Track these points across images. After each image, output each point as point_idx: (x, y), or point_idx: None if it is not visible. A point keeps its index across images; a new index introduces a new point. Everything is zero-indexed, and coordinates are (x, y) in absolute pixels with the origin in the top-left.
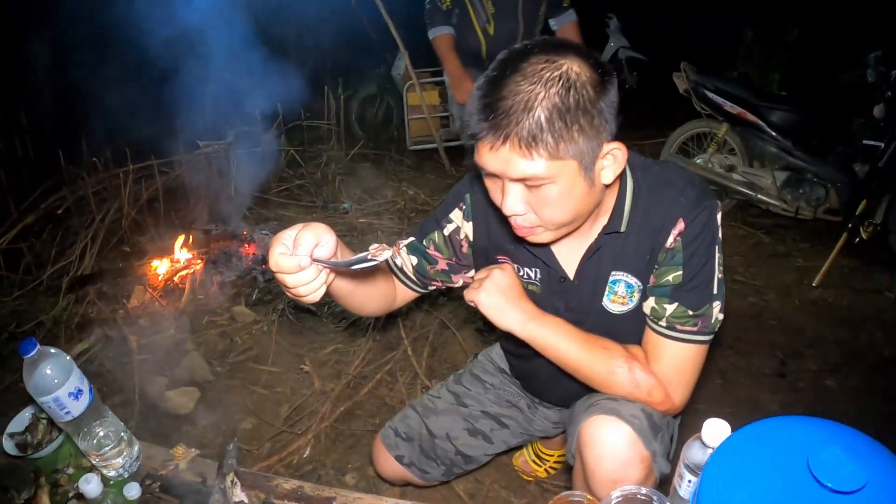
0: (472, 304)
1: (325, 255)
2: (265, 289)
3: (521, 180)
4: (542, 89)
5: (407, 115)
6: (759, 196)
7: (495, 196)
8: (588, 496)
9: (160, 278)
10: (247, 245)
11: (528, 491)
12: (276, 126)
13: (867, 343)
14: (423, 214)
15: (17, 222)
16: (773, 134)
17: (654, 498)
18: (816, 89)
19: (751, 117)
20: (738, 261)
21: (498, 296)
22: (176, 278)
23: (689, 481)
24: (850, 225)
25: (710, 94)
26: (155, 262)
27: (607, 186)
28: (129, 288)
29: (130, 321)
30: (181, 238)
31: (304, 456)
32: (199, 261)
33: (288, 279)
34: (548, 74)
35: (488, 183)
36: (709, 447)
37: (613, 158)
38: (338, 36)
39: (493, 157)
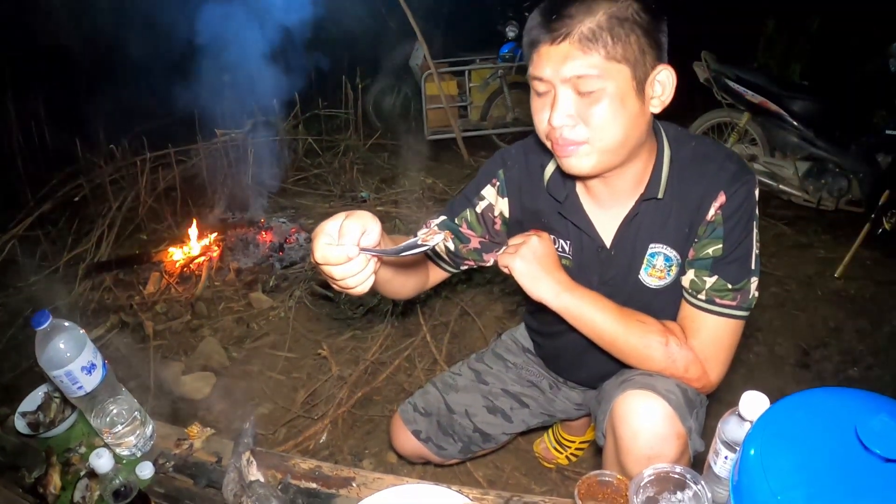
0: (505, 270)
1: (371, 244)
2: (282, 276)
3: (577, 79)
4: (605, 2)
5: (425, 104)
6: (780, 186)
7: (542, 116)
8: (618, 476)
9: (177, 265)
10: (264, 233)
11: (548, 478)
12: (294, 115)
13: (890, 334)
14: (441, 204)
15: (34, 209)
16: (795, 124)
17: (688, 476)
18: (838, 79)
19: (773, 107)
20: (759, 251)
21: (534, 263)
22: (192, 265)
23: (726, 457)
24: (872, 216)
25: (732, 84)
26: (172, 250)
27: (655, 116)
28: (145, 275)
29: (146, 307)
30: (197, 226)
31: (321, 441)
32: (216, 248)
33: (335, 271)
34: None
35: (536, 104)
36: (747, 420)
37: (662, 88)
38: (355, 25)
39: (551, 55)
